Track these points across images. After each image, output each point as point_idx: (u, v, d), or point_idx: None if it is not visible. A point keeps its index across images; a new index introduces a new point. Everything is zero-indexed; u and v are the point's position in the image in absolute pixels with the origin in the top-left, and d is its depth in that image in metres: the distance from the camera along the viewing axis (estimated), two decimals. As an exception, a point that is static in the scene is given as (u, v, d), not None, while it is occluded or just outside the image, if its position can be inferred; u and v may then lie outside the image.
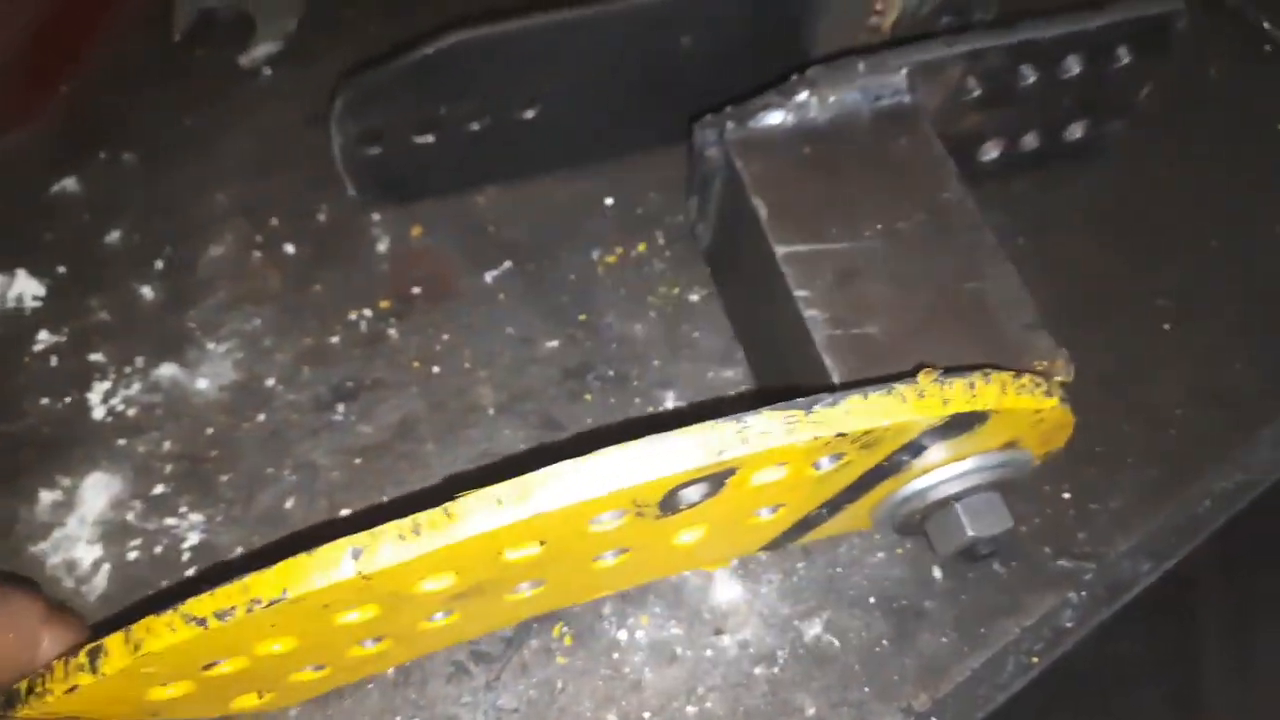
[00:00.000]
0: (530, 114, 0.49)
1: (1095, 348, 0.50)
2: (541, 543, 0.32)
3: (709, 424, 0.30)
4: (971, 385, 0.33)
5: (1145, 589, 0.46)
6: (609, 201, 0.53)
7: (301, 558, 0.29)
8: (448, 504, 0.29)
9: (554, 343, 0.49)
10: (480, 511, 0.29)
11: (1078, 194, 0.55)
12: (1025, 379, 0.35)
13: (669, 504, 0.32)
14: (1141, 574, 0.45)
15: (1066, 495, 0.46)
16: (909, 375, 0.33)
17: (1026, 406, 0.34)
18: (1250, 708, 0.66)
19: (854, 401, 0.32)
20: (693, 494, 0.32)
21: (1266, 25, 0.63)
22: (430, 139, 0.48)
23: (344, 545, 0.29)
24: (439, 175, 0.52)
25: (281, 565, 0.29)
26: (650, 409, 0.47)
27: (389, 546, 0.29)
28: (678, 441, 0.30)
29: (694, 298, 0.51)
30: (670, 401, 0.48)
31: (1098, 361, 0.50)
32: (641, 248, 0.52)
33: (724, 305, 0.50)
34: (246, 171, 0.54)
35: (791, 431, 0.31)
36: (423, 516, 0.29)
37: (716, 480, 0.32)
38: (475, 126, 0.48)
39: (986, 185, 0.54)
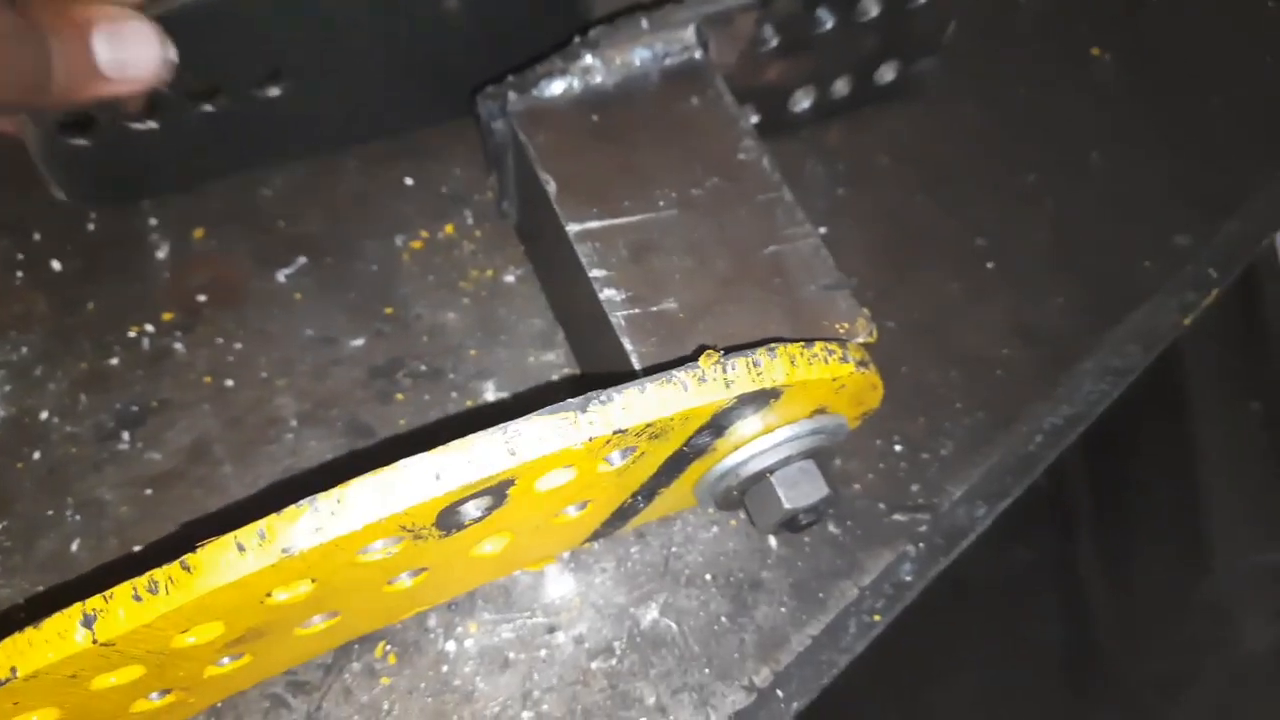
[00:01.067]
0: (275, 91, 0.44)
1: (917, 294, 0.50)
2: (312, 580, 0.29)
3: (472, 437, 0.28)
4: (756, 363, 0.32)
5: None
6: (409, 182, 0.50)
7: (27, 632, 0.27)
8: (185, 556, 0.27)
9: (358, 341, 0.46)
10: (221, 561, 0.27)
11: (894, 138, 0.54)
12: (816, 347, 0.33)
13: (448, 523, 0.30)
14: (977, 519, 0.46)
15: (898, 448, 0.46)
16: (693, 358, 0.32)
17: (820, 376, 0.33)
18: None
19: (630, 396, 0.30)
20: (473, 510, 0.30)
21: (1075, -52, 0.62)
22: (151, 125, 0.43)
23: (75, 613, 0.27)
24: (169, 167, 0.46)
25: (4, 643, 0.26)
26: (469, 403, 0.45)
27: (123, 610, 0.26)
28: (437, 461, 0.28)
29: (509, 279, 0.48)
30: (490, 394, 0.45)
31: (920, 308, 0.49)
32: (449, 230, 0.49)
33: (541, 284, 0.48)
34: None
35: (565, 435, 0.29)
36: (159, 573, 0.27)
37: (496, 492, 0.30)
38: (208, 108, 0.43)
39: (802, 134, 0.53)
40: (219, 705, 0.38)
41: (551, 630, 0.41)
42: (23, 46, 0.34)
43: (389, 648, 0.40)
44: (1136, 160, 0.55)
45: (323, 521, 0.27)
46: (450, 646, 0.40)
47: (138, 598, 0.26)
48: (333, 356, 0.45)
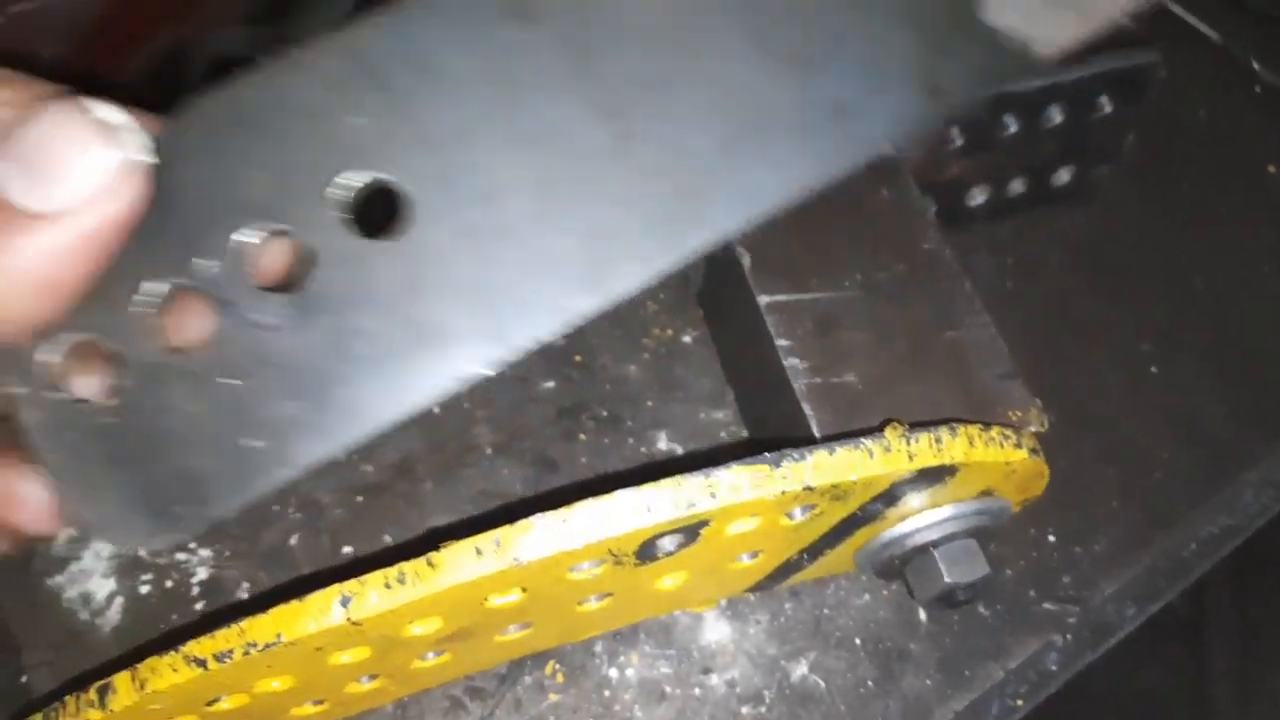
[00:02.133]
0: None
1: (1080, 389, 0.51)
2: (523, 590, 0.33)
3: (679, 478, 0.32)
4: (938, 440, 0.34)
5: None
6: (606, 246, 0.55)
7: (294, 604, 0.31)
8: (430, 554, 0.31)
9: (550, 383, 0.50)
10: (460, 562, 0.31)
11: (1065, 236, 0.56)
12: (994, 431, 0.36)
13: (646, 553, 0.34)
14: (1126, 618, 0.46)
15: (1051, 538, 0.47)
16: (878, 429, 0.35)
17: (995, 459, 0.36)
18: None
19: (821, 457, 0.33)
20: (668, 544, 0.34)
21: (1256, 66, 0.64)
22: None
23: (334, 592, 0.31)
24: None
25: (276, 611, 0.31)
26: (643, 449, 0.49)
27: (375, 594, 0.31)
28: (649, 496, 0.32)
29: (686, 339, 0.52)
30: (663, 442, 0.49)
31: (1082, 403, 0.51)
32: (637, 291, 0.54)
33: (716, 347, 0.52)
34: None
35: (759, 486, 0.32)
36: (407, 566, 0.31)
37: (690, 531, 0.33)
38: None
39: (974, 228, 0.55)
40: (405, 700, 0.42)
41: (706, 671, 0.44)
42: None
43: (558, 667, 0.43)
44: (1313, 277, 0.56)
45: (549, 537, 0.31)
46: (613, 673, 0.43)
47: (388, 585, 0.31)
48: (526, 395, 0.50)
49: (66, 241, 0.23)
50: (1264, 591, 0.80)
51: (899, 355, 0.41)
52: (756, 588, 0.44)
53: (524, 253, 0.27)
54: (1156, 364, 0.52)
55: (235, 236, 0.26)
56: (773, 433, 0.45)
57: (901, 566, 0.41)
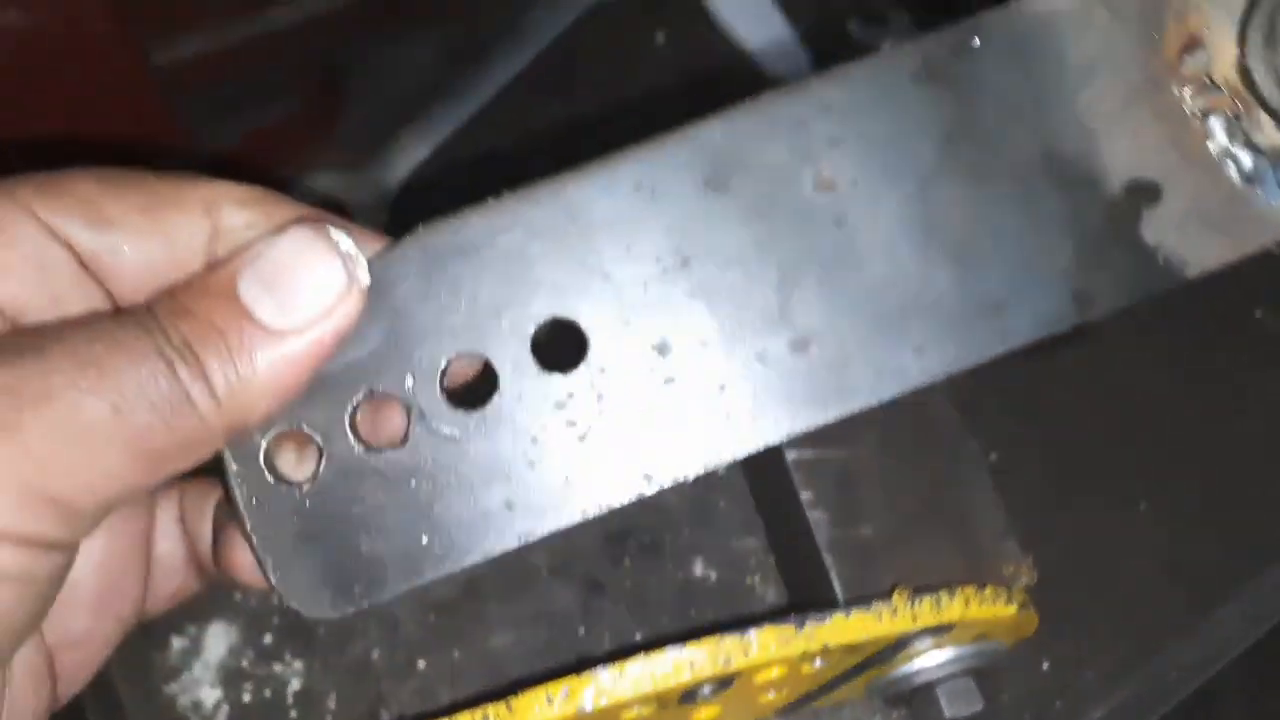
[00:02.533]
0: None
1: (1076, 524, 0.57)
2: (584, 728, 0.39)
3: (718, 638, 0.38)
4: (938, 602, 0.40)
5: None
6: (649, 383, 0.61)
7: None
8: (509, 698, 0.37)
9: (599, 511, 0.57)
10: (535, 708, 0.37)
11: (1067, 377, 0.62)
12: (988, 590, 0.42)
13: (688, 698, 0.40)
14: (1113, 740, 0.52)
15: (1045, 665, 0.53)
16: (888, 592, 0.41)
17: (988, 615, 0.41)
18: None
19: (838, 620, 0.39)
20: (706, 690, 0.40)
21: (1248, 215, 0.69)
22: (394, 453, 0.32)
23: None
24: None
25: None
26: (680, 574, 0.55)
27: (468, 731, 0.37)
28: (693, 654, 0.38)
29: (722, 472, 0.58)
30: (699, 568, 0.55)
31: (1077, 537, 0.56)
32: (677, 423, 0.60)
33: (747, 479, 0.58)
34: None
35: (785, 645, 0.38)
36: (491, 708, 0.37)
37: (725, 680, 0.39)
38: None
39: (981, 368, 0.61)
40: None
41: (735, 781, 0.49)
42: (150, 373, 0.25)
43: (604, 775, 0.49)
44: (1290, 421, 0.61)
45: (607, 689, 0.37)
46: (653, 782, 0.49)
47: (475, 724, 0.37)
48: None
49: (297, 352, 0.27)
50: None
51: (910, 511, 0.47)
52: (779, 713, 0.50)
53: (678, 400, 0.30)
54: (1147, 500, 0.58)
55: (431, 354, 0.30)
56: (796, 569, 0.51)
57: (908, 699, 0.47)
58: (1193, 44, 0.31)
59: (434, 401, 0.30)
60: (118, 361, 0.25)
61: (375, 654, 0.52)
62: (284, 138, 0.64)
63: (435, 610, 0.53)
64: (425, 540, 0.31)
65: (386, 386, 0.30)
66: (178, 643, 0.52)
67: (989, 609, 0.41)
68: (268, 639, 0.52)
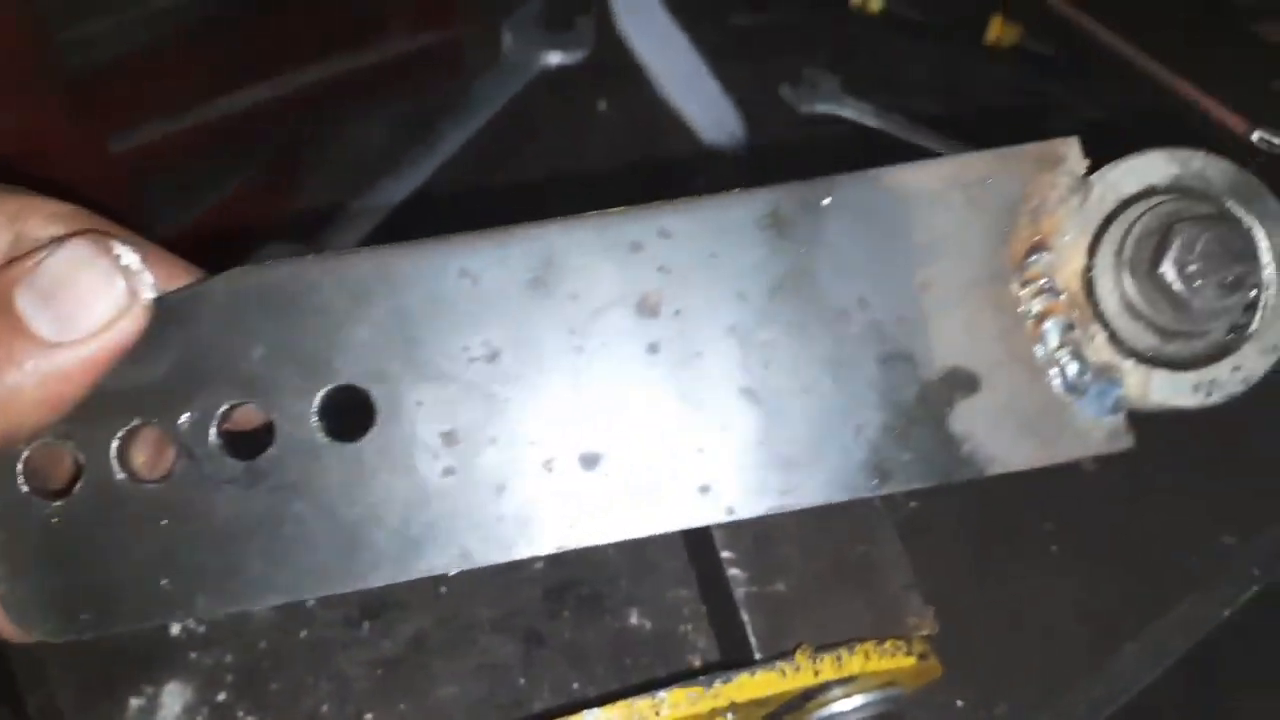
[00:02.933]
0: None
1: (990, 569, 0.61)
2: (511, 782, 0.42)
3: (631, 701, 0.41)
4: (839, 658, 0.44)
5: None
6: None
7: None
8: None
9: (540, 564, 0.60)
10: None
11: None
12: (888, 644, 0.45)
13: (607, 753, 0.43)
14: (1024, 772, 0.55)
15: (959, 704, 0.56)
16: (791, 652, 0.44)
17: (889, 668, 0.45)
18: None
19: (744, 679, 0.42)
20: (625, 746, 0.43)
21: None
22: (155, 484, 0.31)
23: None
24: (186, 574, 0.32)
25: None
26: (617, 625, 0.58)
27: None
28: (608, 716, 0.41)
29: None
30: (634, 618, 0.58)
31: (991, 581, 0.60)
32: (615, 479, 0.63)
33: (681, 533, 0.61)
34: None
35: (694, 704, 0.42)
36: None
37: (642, 737, 0.42)
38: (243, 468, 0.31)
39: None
40: None
41: (666, 823, 0.52)
42: None
43: (543, 821, 0.52)
44: (1192, 462, 0.65)
45: (530, 751, 0.40)
46: (588, 826, 0.52)
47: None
48: (518, 576, 0.59)
49: (70, 365, 0.26)
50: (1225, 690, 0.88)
51: (822, 567, 0.50)
52: (707, 755, 0.53)
53: (452, 494, 0.30)
54: (1057, 544, 0.62)
55: (214, 397, 0.29)
56: (721, 621, 0.54)
57: (822, 743, 0.50)
58: (1041, 246, 0.30)
59: (204, 444, 0.29)
60: None
61: (325, 708, 0.55)
62: (239, 213, 0.67)
63: (382, 665, 0.56)
64: (164, 583, 0.30)
65: (162, 420, 0.29)
66: (135, 702, 0.55)
67: (888, 661, 0.45)
68: (222, 696, 0.55)
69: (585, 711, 0.41)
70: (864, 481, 0.31)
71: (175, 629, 0.57)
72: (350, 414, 0.30)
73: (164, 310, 0.29)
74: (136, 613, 0.30)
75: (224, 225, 0.66)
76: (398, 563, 0.30)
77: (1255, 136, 0.77)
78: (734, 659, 0.48)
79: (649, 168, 0.76)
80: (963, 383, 0.31)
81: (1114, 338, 0.31)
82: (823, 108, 0.79)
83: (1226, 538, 0.62)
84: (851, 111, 0.78)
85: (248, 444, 0.30)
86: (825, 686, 0.45)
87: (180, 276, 0.31)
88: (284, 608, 0.58)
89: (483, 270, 0.30)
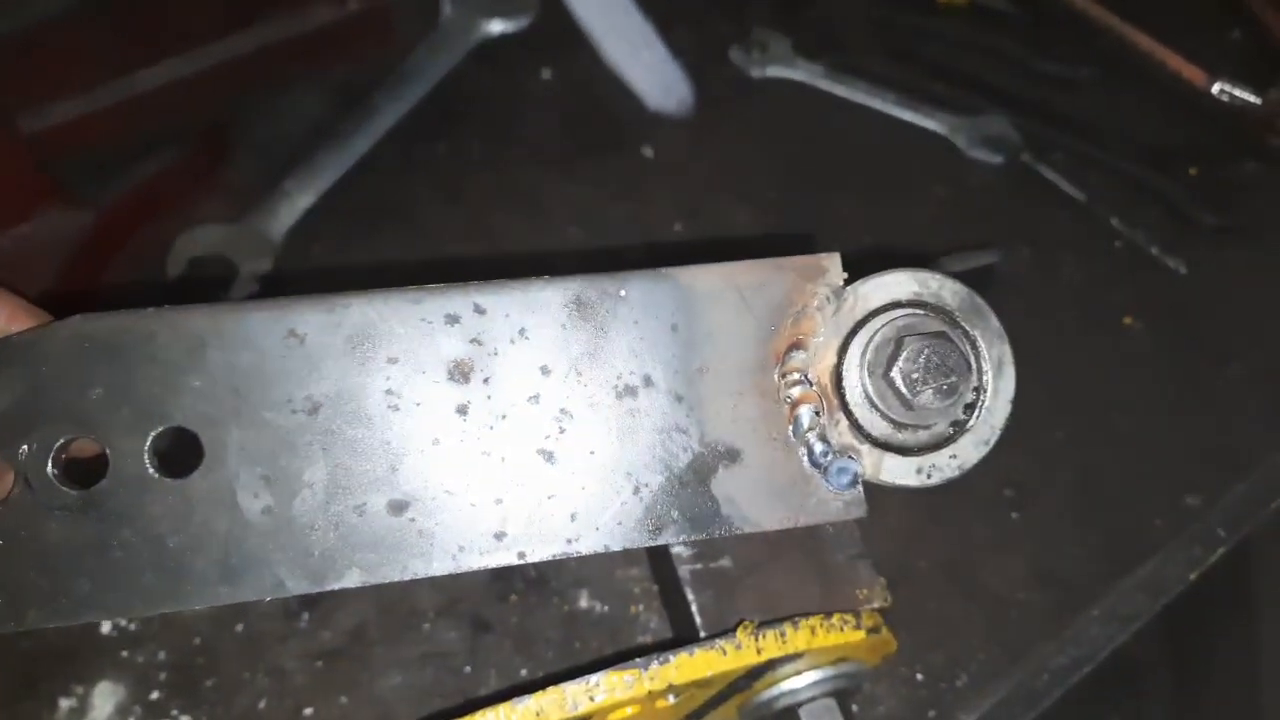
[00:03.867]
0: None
1: (947, 537, 0.59)
2: (442, 774, 0.41)
3: (565, 686, 0.39)
4: (782, 634, 0.42)
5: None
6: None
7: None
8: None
9: (486, 548, 0.58)
10: (386, 764, 0.38)
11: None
12: (835, 618, 0.43)
13: (543, 741, 0.41)
14: (986, 744, 0.54)
15: (919, 676, 0.55)
16: (733, 629, 0.42)
17: (836, 643, 0.43)
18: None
19: (682, 659, 0.40)
20: (561, 732, 0.41)
21: (1114, 222, 0.72)
22: None
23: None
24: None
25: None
26: (566, 608, 0.56)
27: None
28: (541, 702, 0.39)
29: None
30: (584, 600, 0.56)
31: (949, 550, 0.58)
32: (563, 457, 0.61)
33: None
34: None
35: (630, 688, 0.40)
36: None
37: (579, 722, 0.41)
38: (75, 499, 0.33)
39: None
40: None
41: (619, 809, 0.51)
42: None
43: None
44: (1156, 423, 0.64)
45: (458, 742, 0.38)
46: (537, 815, 0.51)
47: (327, 783, 0.38)
48: (465, 561, 0.57)
49: None
50: (1197, 652, 0.87)
51: (768, 540, 0.49)
52: (658, 738, 0.51)
53: (266, 531, 0.33)
54: (1017, 510, 0.60)
55: (53, 431, 0.32)
56: (669, 597, 0.52)
57: (775, 722, 0.48)
58: (800, 345, 0.35)
59: (42, 474, 0.32)
60: None
61: (262, 704, 0.53)
62: (165, 193, 0.64)
63: (322, 657, 0.54)
64: None
65: (3, 449, 0.31)
66: (65, 703, 0.52)
67: (836, 636, 0.43)
68: (155, 695, 0.53)
69: (516, 699, 0.39)
70: (641, 534, 0.35)
71: (106, 627, 0.55)
72: (181, 453, 0.33)
73: (9, 350, 0.31)
74: None
75: (150, 205, 0.63)
76: (217, 588, 0.32)
77: (1215, 89, 0.75)
78: (685, 639, 0.46)
79: (595, 137, 0.74)
80: (726, 455, 0.35)
81: (855, 425, 0.35)
82: (773, 71, 0.76)
83: (1190, 499, 0.60)
84: (803, 74, 0.76)
85: (88, 473, 0.32)
86: (772, 664, 0.44)
87: (24, 320, 0.34)
88: (219, 601, 0.56)
89: (309, 332, 0.33)
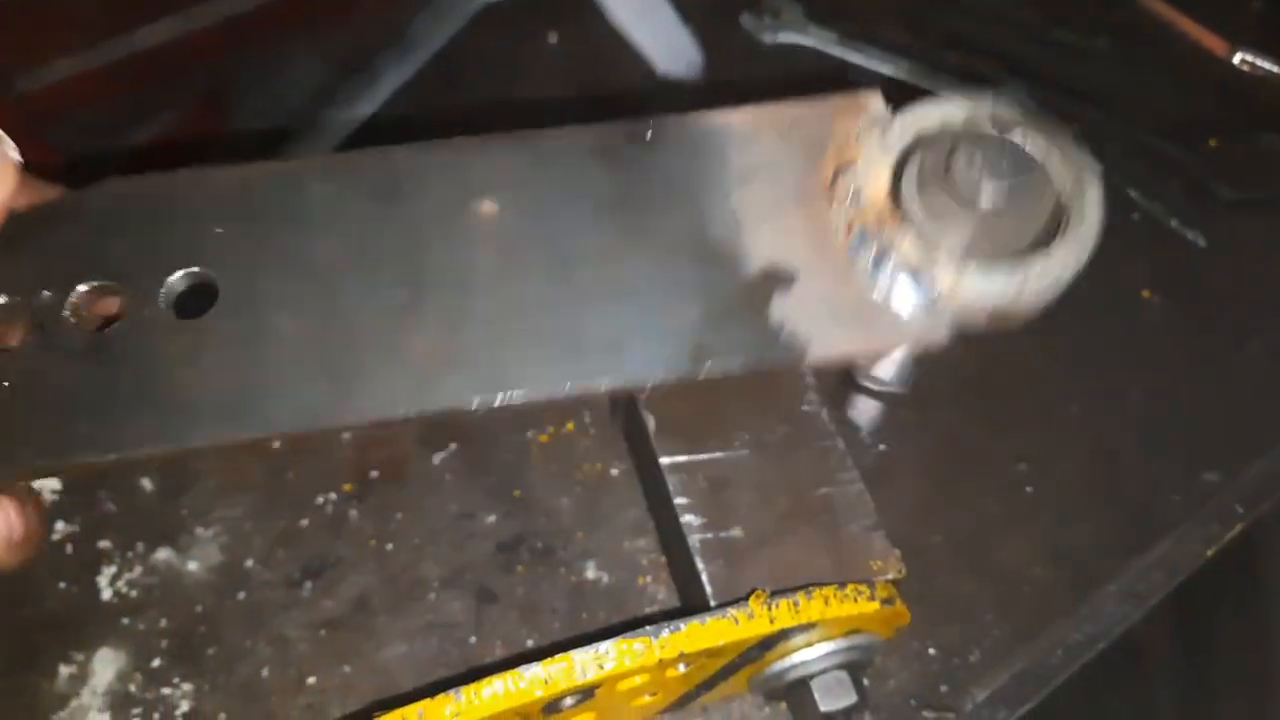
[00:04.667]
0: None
1: (961, 511, 0.58)
2: (447, 742, 0.40)
3: (573, 654, 0.38)
4: (795, 604, 0.41)
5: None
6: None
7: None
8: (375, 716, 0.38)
9: (492, 518, 0.57)
10: (392, 730, 0.37)
11: (952, 366, 0.63)
12: (849, 589, 0.42)
13: (550, 709, 0.40)
14: (997, 720, 0.53)
15: (932, 651, 0.54)
16: (745, 598, 0.41)
17: (850, 613, 0.42)
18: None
19: (694, 628, 0.39)
20: (569, 701, 0.40)
21: (1133, 194, 0.70)
22: None
23: (287, 756, 0.38)
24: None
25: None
26: (574, 579, 0.55)
27: (320, 759, 0.37)
28: (548, 671, 0.38)
29: (614, 472, 0.59)
30: (591, 572, 0.56)
31: (962, 524, 0.57)
32: (570, 426, 0.60)
33: (640, 481, 0.58)
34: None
35: (641, 656, 0.39)
36: (347, 735, 0.38)
37: (587, 692, 0.40)
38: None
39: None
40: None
41: (626, 781, 0.50)
42: None
43: (495, 783, 0.50)
44: (1174, 398, 0.62)
45: (465, 709, 0.37)
46: (543, 787, 0.50)
47: (331, 751, 0.37)
48: (470, 530, 0.57)
49: None
50: (1208, 630, 0.86)
51: (780, 510, 0.48)
52: (665, 711, 0.50)
53: (271, 359, 0.33)
54: (1032, 485, 0.59)
55: (69, 276, 0.33)
56: (678, 568, 0.51)
57: (785, 694, 0.47)
58: (848, 166, 0.34)
59: (54, 317, 0.33)
60: None
61: (265, 672, 0.52)
62: (167, 153, 0.63)
63: (325, 626, 0.53)
64: None
65: (22, 296, 0.33)
66: (65, 670, 0.52)
67: (850, 606, 0.42)
68: (156, 662, 0.52)
69: (524, 667, 0.38)
70: (683, 360, 0.34)
71: (106, 593, 0.54)
72: (200, 301, 0.34)
73: (40, 213, 0.33)
74: None
75: (151, 166, 0.62)
76: (218, 425, 0.32)
77: (1237, 59, 0.74)
78: (695, 610, 0.45)
79: (602, 101, 0.72)
80: (781, 279, 0.34)
81: (923, 241, 0.33)
82: (785, 37, 0.75)
83: (1208, 475, 0.59)
84: (815, 41, 0.74)
85: (105, 324, 0.33)
86: (784, 635, 0.43)
87: (41, 192, 0.35)
88: (220, 568, 0.55)
89: (336, 186, 0.34)
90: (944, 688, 0.53)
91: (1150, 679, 0.89)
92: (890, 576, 0.46)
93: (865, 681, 0.47)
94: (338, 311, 0.33)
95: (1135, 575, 0.57)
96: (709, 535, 0.47)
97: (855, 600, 0.42)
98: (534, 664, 0.38)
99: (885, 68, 0.74)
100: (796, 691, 0.46)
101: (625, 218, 0.34)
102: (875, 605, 0.43)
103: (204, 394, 0.32)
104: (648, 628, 0.39)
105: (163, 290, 0.33)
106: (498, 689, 0.38)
